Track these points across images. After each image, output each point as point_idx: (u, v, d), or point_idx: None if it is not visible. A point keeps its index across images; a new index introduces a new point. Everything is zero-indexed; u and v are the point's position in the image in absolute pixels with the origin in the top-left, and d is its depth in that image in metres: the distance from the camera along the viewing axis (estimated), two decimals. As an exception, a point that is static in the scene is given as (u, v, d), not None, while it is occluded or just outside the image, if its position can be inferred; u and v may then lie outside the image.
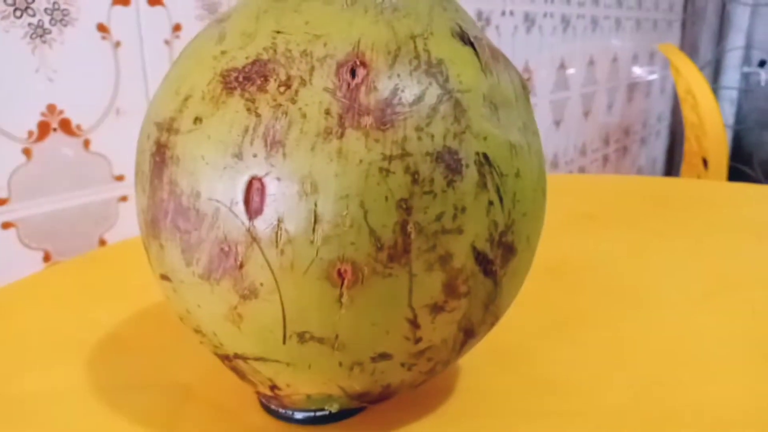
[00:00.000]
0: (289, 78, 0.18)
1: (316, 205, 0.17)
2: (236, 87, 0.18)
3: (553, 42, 1.00)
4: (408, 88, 0.18)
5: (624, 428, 0.23)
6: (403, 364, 0.20)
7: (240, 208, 0.18)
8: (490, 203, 0.19)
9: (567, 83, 1.08)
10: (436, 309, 0.19)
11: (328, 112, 0.18)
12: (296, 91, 0.18)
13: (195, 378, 0.27)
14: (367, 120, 0.18)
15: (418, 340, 0.20)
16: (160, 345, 0.29)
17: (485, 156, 0.19)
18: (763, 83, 1.95)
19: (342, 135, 0.17)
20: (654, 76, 1.55)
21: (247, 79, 0.18)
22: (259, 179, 0.17)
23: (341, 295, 0.18)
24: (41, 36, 0.38)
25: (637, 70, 1.42)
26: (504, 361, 0.27)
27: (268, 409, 0.24)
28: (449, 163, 0.18)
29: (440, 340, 0.20)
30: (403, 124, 0.18)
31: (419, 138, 0.18)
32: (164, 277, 0.20)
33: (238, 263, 0.18)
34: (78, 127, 0.41)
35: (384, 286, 0.18)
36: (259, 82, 0.18)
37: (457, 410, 0.24)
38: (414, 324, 0.19)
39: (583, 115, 1.18)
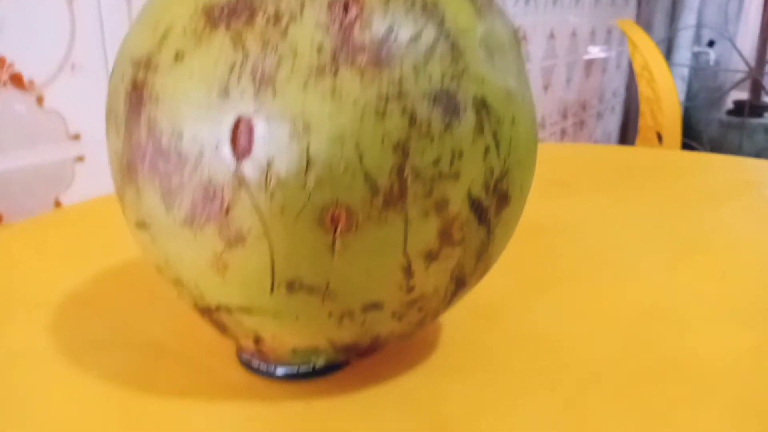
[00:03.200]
0: (278, 12, 0.17)
1: (308, 146, 0.16)
2: (221, 21, 0.17)
3: (515, 13, 1.00)
4: (404, 26, 0.17)
5: (609, 379, 0.23)
6: (393, 314, 0.20)
7: (226, 149, 0.17)
8: (487, 149, 0.18)
9: (528, 56, 1.09)
10: (431, 257, 0.19)
11: (320, 49, 0.17)
12: (286, 27, 0.17)
13: (168, 336, 0.25)
14: (362, 58, 0.17)
15: (410, 289, 0.19)
16: (126, 304, 0.28)
17: (483, 100, 0.18)
18: (712, 62, 2.01)
19: (336, 73, 0.17)
20: (611, 53, 1.57)
21: (232, 12, 0.17)
22: (247, 119, 0.16)
23: (334, 242, 0.17)
24: (-11, -20, 0.35)
25: (595, 47, 1.43)
26: (486, 318, 0.27)
27: (248, 366, 0.23)
28: (447, 105, 0.17)
29: (432, 289, 0.20)
30: (400, 64, 0.17)
31: (416, 78, 0.17)
32: (141, 225, 0.19)
33: (224, 208, 0.17)
34: (30, 82, 0.38)
35: (379, 232, 0.17)
36: (245, 16, 0.17)
37: (442, 365, 0.24)
38: (408, 272, 0.18)
39: (543, 89, 1.19)
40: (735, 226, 0.39)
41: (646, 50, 1.13)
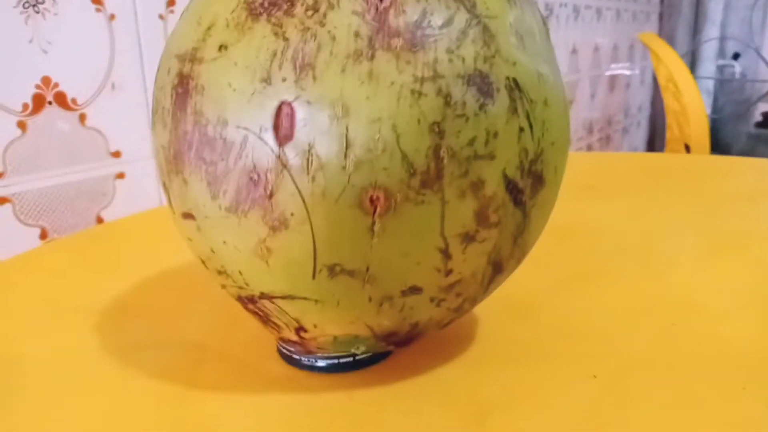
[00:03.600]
0: (316, 2, 0.18)
1: (347, 129, 0.17)
2: (262, 12, 0.18)
3: (537, 30, 1.01)
4: (436, 11, 0.18)
5: (649, 367, 0.23)
6: (432, 299, 0.20)
7: (269, 134, 0.17)
8: (521, 129, 0.19)
9: (552, 71, 1.09)
10: (468, 238, 0.19)
11: (357, 35, 0.17)
12: (324, 15, 0.17)
13: (208, 336, 0.26)
14: (398, 42, 0.17)
15: (448, 272, 0.19)
16: (166, 309, 0.29)
17: (515, 81, 0.18)
18: (737, 75, 1.99)
19: (372, 57, 0.17)
20: (635, 68, 1.57)
21: (272, 4, 0.18)
22: (289, 104, 0.17)
23: (373, 224, 0.18)
24: (34, 6, 0.37)
25: (618, 63, 1.43)
26: (521, 313, 0.27)
27: (289, 360, 0.23)
28: (480, 86, 0.18)
29: (470, 273, 0.20)
30: (434, 46, 0.17)
31: (450, 60, 0.17)
32: (187, 216, 0.20)
33: (268, 192, 0.18)
34: (73, 101, 0.40)
35: (416, 213, 0.18)
36: (285, 6, 0.18)
37: (480, 357, 0.24)
38: (445, 254, 0.19)
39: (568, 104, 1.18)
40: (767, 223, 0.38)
41: (670, 62, 1.13)
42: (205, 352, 0.25)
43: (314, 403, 0.21)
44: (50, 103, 0.39)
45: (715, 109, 1.95)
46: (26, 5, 0.37)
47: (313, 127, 0.17)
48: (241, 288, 0.20)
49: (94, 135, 0.41)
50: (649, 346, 0.24)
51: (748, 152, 1.88)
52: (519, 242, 0.20)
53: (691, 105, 1.11)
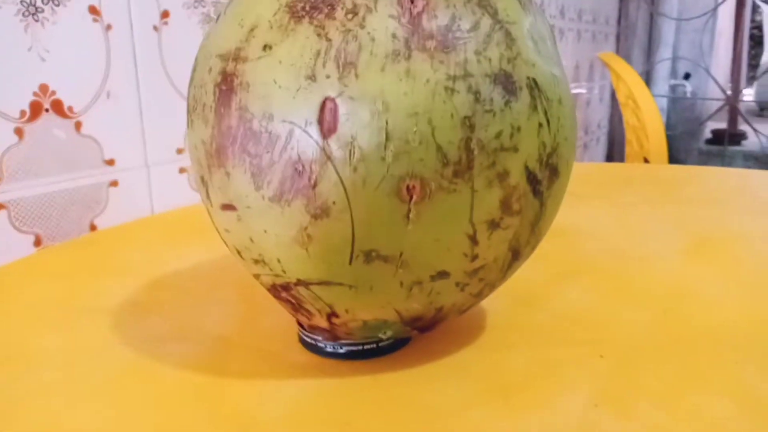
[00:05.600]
0: (355, 6, 0.19)
1: (387, 123, 0.18)
2: (304, 15, 0.19)
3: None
4: (464, 17, 0.19)
5: (651, 346, 0.24)
6: (457, 284, 0.21)
7: (314, 127, 0.18)
8: (540, 125, 0.20)
9: (519, 88, 1.13)
10: (493, 225, 0.20)
11: (395, 36, 0.19)
12: (363, 18, 0.19)
13: (228, 329, 0.27)
14: (431, 43, 0.19)
15: (474, 258, 0.21)
16: (183, 306, 0.29)
17: (534, 81, 0.20)
18: (688, 94, 2.09)
19: (409, 56, 0.19)
20: (593, 87, 1.63)
21: (314, 8, 0.19)
22: (332, 99, 0.18)
23: (409, 211, 0.19)
24: (33, 14, 0.37)
25: (579, 82, 1.49)
26: (526, 303, 0.29)
27: (312, 348, 0.24)
28: (505, 84, 0.19)
29: (493, 258, 0.21)
30: (464, 48, 0.19)
31: (478, 61, 0.19)
32: (227, 207, 0.21)
33: (312, 182, 0.19)
34: (70, 108, 0.40)
35: (449, 201, 0.19)
36: (326, 10, 0.19)
37: (492, 343, 0.25)
38: (473, 240, 0.20)
39: (533, 120, 1.22)
40: (740, 221, 0.41)
41: (630, 80, 1.18)
42: (229, 344, 0.25)
43: (341, 387, 0.22)
44: (47, 110, 0.39)
45: (669, 126, 2.03)
46: (26, 14, 0.37)
47: (356, 121, 0.18)
48: (277, 276, 0.21)
49: (89, 143, 0.42)
50: (647, 330, 0.26)
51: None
52: (535, 230, 0.22)
53: (650, 121, 1.16)
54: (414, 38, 0.19)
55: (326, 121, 0.18)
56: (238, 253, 0.22)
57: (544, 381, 0.22)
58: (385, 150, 0.18)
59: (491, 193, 0.20)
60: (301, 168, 0.19)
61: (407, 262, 0.20)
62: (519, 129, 0.20)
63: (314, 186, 0.19)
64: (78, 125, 0.41)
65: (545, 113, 0.20)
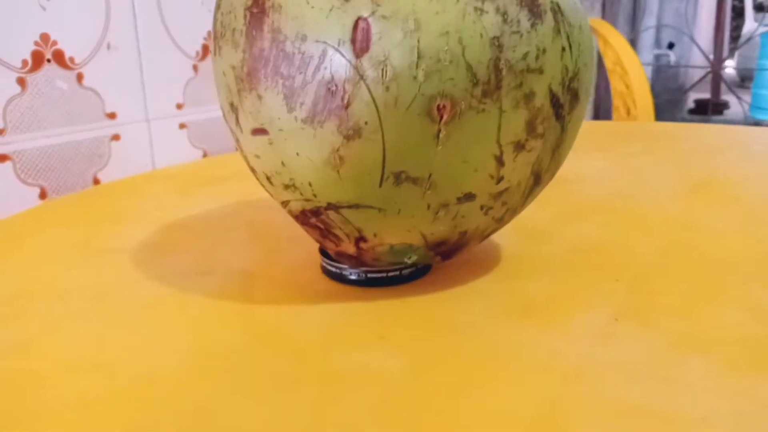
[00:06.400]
0: (385, -73, 0.19)
1: (419, 42, 0.19)
2: (335, -64, 0.19)
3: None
4: (491, -60, 0.20)
5: (663, 271, 0.25)
6: (482, 207, 0.22)
7: (347, 47, 0.19)
8: (563, 49, 0.21)
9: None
10: (519, 147, 0.21)
11: (425, -43, 0.19)
12: (394, -62, 0.19)
13: (251, 264, 0.27)
14: (461, -36, 0.19)
15: (500, 180, 0.21)
16: (202, 245, 0.30)
17: (558, 5, 0.21)
18: (672, 63, 2.10)
19: (440, -23, 0.19)
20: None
21: (344, -72, 0.19)
22: (365, 19, 0.19)
23: (439, 131, 0.20)
24: (33, -39, 0.37)
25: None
26: (539, 237, 0.30)
27: (337, 277, 0.25)
28: (531, 7, 0.20)
29: (516, 181, 0.22)
30: (492, -31, 0.19)
31: (506, -18, 0.19)
32: (258, 131, 0.21)
33: (345, 102, 0.19)
34: (71, 59, 0.40)
35: (477, 121, 0.20)
36: (357, -70, 0.19)
37: (510, 271, 0.26)
38: (500, 161, 0.21)
39: (521, 87, 1.23)
40: (735, 167, 0.42)
41: (618, 45, 1.19)
42: (253, 276, 0.26)
43: (372, 309, 0.23)
44: (49, 60, 0.38)
45: (653, 95, 2.05)
46: (26, -40, 0.36)
47: (388, 40, 0.19)
48: (307, 200, 0.22)
49: (91, 95, 0.41)
50: (658, 257, 0.27)
51: (683, 136, 1.99)
52: (556, 155, 0.23)
53: (638, 87, 1.17)
54: (444, -41, 0.19)
55: (359, 40, 0.19)
56: (268, 179, 0.22)
57: (564, 302, 0.23)
58: (417, 69, 0.19)
59: (518, 114, 0.20)
60: (334, 88, 0.19)
61: (435, 183, 0.21)
62: (544, 51, 0.20)
63: (347, 106, 0.19)
64: (80, 77, 0.40)
65: (568, 38, 0.21)
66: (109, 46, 0.42)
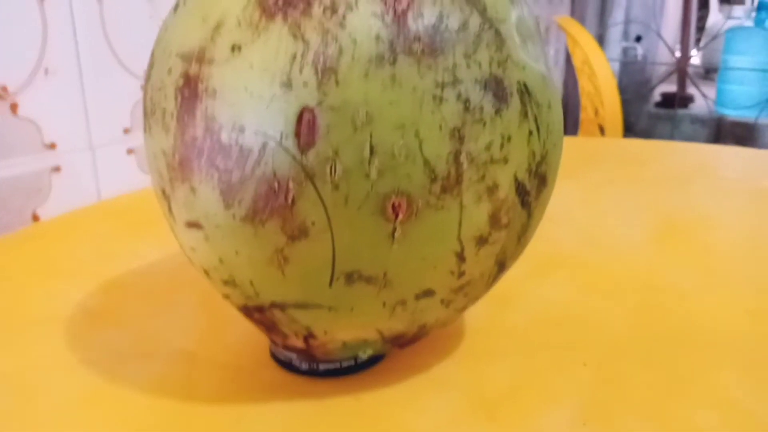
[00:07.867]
0: (333, 2, 0.17)
1: (371, 136, 0.17)
2: (277, 12, 0.17)
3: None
4: (452, 15, 0.18)
5: (631, 351, 0.24)
6: (442, 301, 0.20)
7: (291, 141, 0.17)
8: (530, 133, 0.19)
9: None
10: (481, 241, 0.19)
11: (378, 38, 0.17)
12: (344, 16, 0.17)
13: (193, 343, 0.25)
14: (418, 46, 0.17)
15: (461, 275, 0.19)
16: (141, 315, 0.27)
17: (525, 85, 0.19)
18: (639, 57, 2.11)
19: (395, 61, 0.17)
20: (549, 50, 1.63)
21: (287, 3, 0.17)
22: (311, 110, 0.17)
23: (394, 230, 0.18)
24: (-44, -17, 0.33)
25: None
26: (503, 305, 0.28)
27: (287, 366, 0.23)
28: (496, 91, 0.18)
29: (479, 273, 0.20)
30: (453, 51, 0.17)
31: (468, 65, 0.18)
32: (193, 225, 0.19)
33: (289, 201, 0.17)
34: (3, 88, 0.36)
35: (436, 218, 0.18)
36: (302, 6, 0.17)
37: (473, 351, 0.24)
38: (461, 257, 0.19)
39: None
40: (706, 204, 0.41)
41: (586, 45, 1.18)
42: (195, 360, 0.24)
43: (321, 407, 0.21)
44: (-22, 91, 0.35)
45: (620, 89, 2.06)
46: (-53, -18, 0.33)
47: (337, 134, 0.17)
48: (248, 298, 0.19)
49: (28, 125, 0.38)
50: (625, 328, 0.25)
51: (649, 130, 2.01)
52: (522, 241, 0.21)
53: (606, 87, 1.17)
54: (399, 40, 0.17)
55: (304, 134, 0.17)
56: (206, 273, 0.20)
57: (528, 394, 0.21)
58: (370, 166, 0.17)
59: (480, 208, 0.18)
60: (276, 185, 0.17)
61: (391, 282, 0.19)
62: (509, 139, 0.18)
63: (291, 205, 0.17)
64: (14, 107, 0.37)
65: (535, 120, 0.19)
66: (47, 72, 0.38)
